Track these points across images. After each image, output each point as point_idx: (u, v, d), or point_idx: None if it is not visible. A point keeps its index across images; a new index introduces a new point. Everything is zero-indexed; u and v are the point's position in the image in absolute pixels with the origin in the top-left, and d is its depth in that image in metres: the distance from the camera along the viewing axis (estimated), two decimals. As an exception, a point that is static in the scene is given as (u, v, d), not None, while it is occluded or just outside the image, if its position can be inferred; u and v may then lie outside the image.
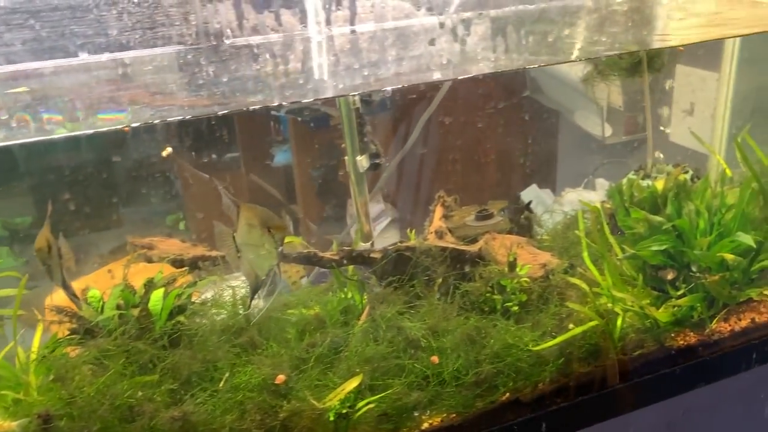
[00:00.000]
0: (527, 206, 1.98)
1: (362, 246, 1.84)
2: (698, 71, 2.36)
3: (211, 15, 1.08)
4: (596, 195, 2.77)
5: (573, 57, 1.32)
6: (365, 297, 1.78)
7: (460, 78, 1.21)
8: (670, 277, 1.67)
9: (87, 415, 1.31)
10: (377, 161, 1.82)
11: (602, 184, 3.01)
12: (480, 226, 1.92)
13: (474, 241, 1.84)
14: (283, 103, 4.06)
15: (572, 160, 3.16)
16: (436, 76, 1.23)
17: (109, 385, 1.34)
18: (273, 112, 4.16)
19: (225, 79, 1.12)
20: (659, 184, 1.82)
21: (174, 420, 1.32)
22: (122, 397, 1.33)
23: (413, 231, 1.93)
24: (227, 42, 1.10)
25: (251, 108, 1.14)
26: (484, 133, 3.17)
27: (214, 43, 1.09)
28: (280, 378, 1.41)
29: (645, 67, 1.97)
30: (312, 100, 1.16)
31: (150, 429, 1.34)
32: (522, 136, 3.21)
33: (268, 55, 1.13)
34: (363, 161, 1.80)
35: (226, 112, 1.12)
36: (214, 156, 3.82)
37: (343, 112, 1.74)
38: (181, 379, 1.43)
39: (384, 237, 3.14)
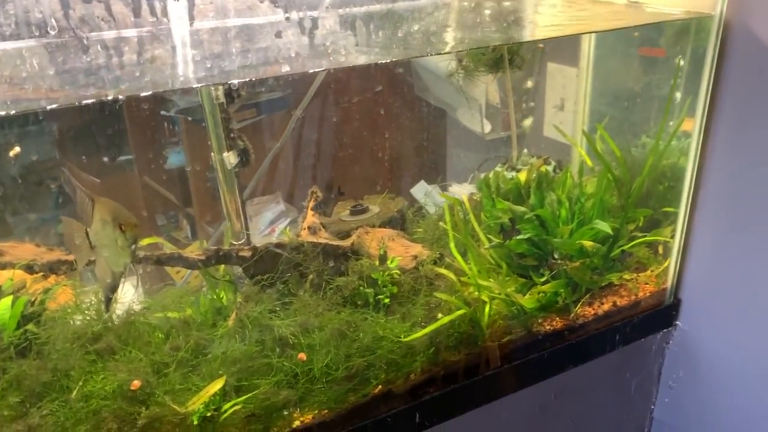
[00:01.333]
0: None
1: (231, 245, 1.80)
2: (565, 68, 2.47)
3: (31, 4, 1.02)
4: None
5: (422, 52, 1.34)
6: (237, 298, 1.75)
7: (311, 71, 1.21)
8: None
9: None
10: (247, 156, 1.79)
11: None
12: (354, 220, 1.92)
13: (348, 235, 1.85)
14: (177, 102, 3.95)
15: (459, 157, 3.23)
16: (285, 68, 1.22)
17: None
18: (163, 112, 4.03)
19: (52, 72, 1.07)
20: (522, 176, 1.88)
21: (17, 435, 1.24)
22: (-43, 414, 1.24)
23: (288, 228, 1.92)
24: (52, 33, 1.05)
25: (83, 102, 1.09)
26: (372, 131, 3.19)
27: (37, 34, 1.03)
28: (135, 384, 1.35)
29: (506, 63, 2.05)
30: (150, 93, 1.12)
31: (-10, 446, 1.26)
32: (410, 134, 3.26)
33: (99, 47, 1.09)
34: (231, 157, 1.76)
35: (54, 106, 1.06)
36: (105, 159, 3.66)
37: (206, 107, 1.70)
38: (26, 392, 1.35)
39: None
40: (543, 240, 1.84)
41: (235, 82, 1.29)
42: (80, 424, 1.33)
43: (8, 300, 1.47)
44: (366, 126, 3.22)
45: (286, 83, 3.90)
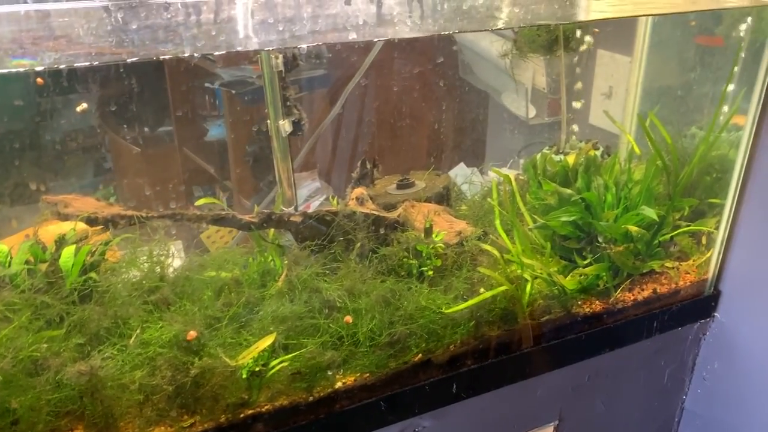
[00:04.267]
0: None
1: (283, 210, 1.84)
2: (615, 56, 2.46)
3: (120, -40, 1.07)
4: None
5: (485, 26, 1.36)
6: (285, 261, 1.80)
7: (376, 40, 1.23)
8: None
9: (-13, 367, 1.28)
10: (300, 126, 1.83)
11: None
12: (400, 194, 1.96)
13: (394, 208, 1.88)
14: (221, 74, 4.00)
15: (499, 141, 3.24)
16: (352, 36, 1.25)
17: (12, 338, 1.32)
18: (207, 85, 4.10)
19: (134, 27, 1.11)
20: (570, 159, 1.90)
21: (81, 374, 1.31)
22: (26, 350, 1.31)
23: (335, 198, 1.96)
24: (137, -11, 1.09)
25: (162, 57, 1.13)
26: (415, 110, 3.21)
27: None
28: (192, 334, 1.41)
29: (561, 44, 2.05)
30: (224, 51, 1.16)
31: (56, 383, 1.33)
32: (452, 115, 3.27)
33: (179, 5, 1.13)
34: (285, 125, 1.81)
35: (135, 59, 1.11)
36: (146, 129, 3.74)
37: (265, 75, 1.74)
38: (89, 335, 1.41)
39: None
40: (587, 223, 1.86)
41: (304, 46, 1.32)
42: (137, 369, 1.40)
43: (72, 248, 1.53)
44: (408, 105, 3.24)
45: (328, 61, 3.94)
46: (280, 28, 1.21)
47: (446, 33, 1.53)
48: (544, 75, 2.72)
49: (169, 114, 3.95)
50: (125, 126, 3.60)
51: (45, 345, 1.32)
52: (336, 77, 3.85)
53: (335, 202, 1.95)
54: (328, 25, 1.25)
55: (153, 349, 1.40)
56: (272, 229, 1.84)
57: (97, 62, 1.11)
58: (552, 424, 2.01)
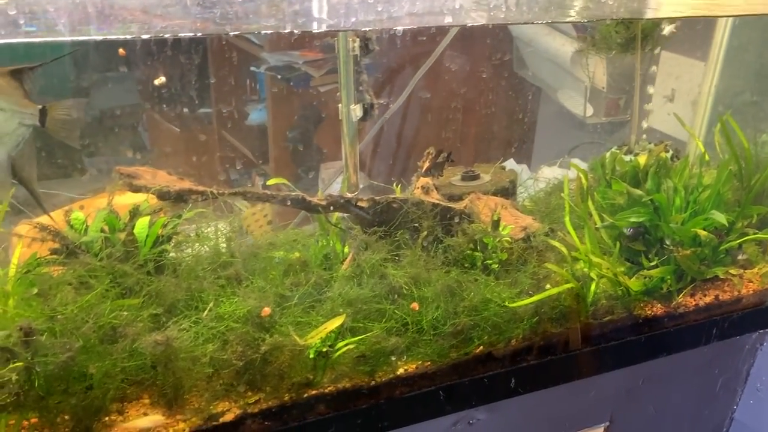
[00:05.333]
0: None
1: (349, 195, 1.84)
2: (681, 58, 2.42)
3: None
4: (571, 174, 2.83)
5: (583, 16, 1.34)
6: (347, 246, 1.80)
7: (469, 26, 1.22)
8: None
9: (69, 332, 1.30)
10: (370, 111, 1.82)
11: (577, 163, 3.08)
12: (465, 186, 1.95)
13: (458, 199, 1.87)
14: (267, 59, 4.00)
15: (550, 138, 3.21)
16: (448, 20, 1.24)
17: (92, 305, 1.33)
18: (253, 69, 4.11)
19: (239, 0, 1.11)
20: (641, 160, 1.87)
21: (157, 344, 1.32)
22: (105, 318, 1.32)
23: (399, 185, 1.95)
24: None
25: (263, 32, 1.13)
26: (467, 102, 3.19)
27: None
28: (266, 311, 1.42)
29: (638, 43, 2.02)
30: (324, 29, 1.15)
31: (131, 351, 1.34)
32: (503, 111, 3.25)
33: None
34: (357, 110, 1.80)
35: (237, 33, 1.11)
36: (185, 110, 3.76)
37: (341, 58, 1.73)
38: (164, 306, 1.42)
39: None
40: (654, 225, 1.83)
41: (400, 29, 1.31)
42: (209, 343, 1.41)
43: (146, 219, 1.54)
44: (459, 98, 3.23)
45: (376, 50, 3.92)
46: (379, 8, 1.21)
47: (538, 22, 1.51)
48: (605, 74, 2.68)
49: (209, 96, 3.97)
50: (165, 105, 3.63)
51: (124, 313, 1.33)
52: (381, 65, 3.84)
53: (398, 189, 1.94)
54: (425, 7, 1.24)
55: (227, 323, 1.41)
56: (336, 213, 1.84)
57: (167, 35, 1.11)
58: (603, 425, 2.00)
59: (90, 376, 1.32)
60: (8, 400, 1.26)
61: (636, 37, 2.01)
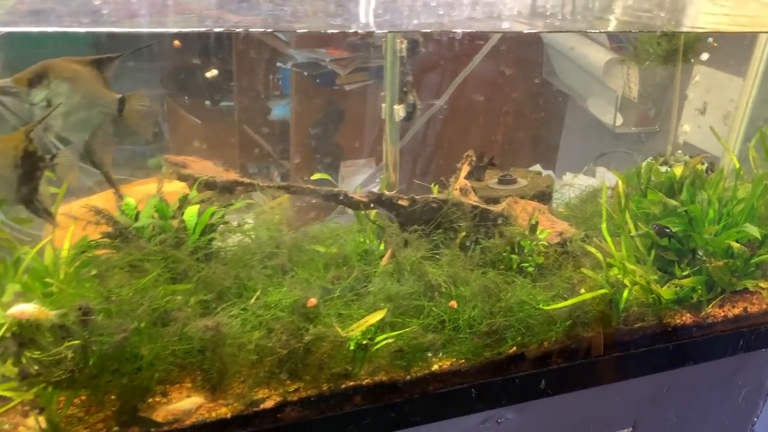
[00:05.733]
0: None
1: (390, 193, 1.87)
2: (718, 73, 2.44)
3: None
4: (595, 182, 2.85)
5: (641, 27, 1.37)
6: (382, 243, 1.83)
7: (525, 32, 1.25)
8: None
9: (124, 313, 1.34)
10: (413, 112, 1.86)
11: (602, 172, 3.10)
12: (502, 189, 1.98)
13: (495, 202, 1.90)
14: (294, 55, 4.03)
15: (576, 146, 3.23)
16: (505, 25, 1.27)
17: (146, 289, 1.37)
18: (279, 64, 4.14)
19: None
20: (678, 171, 1.90)
21: (207, 329, 1.36)
22: (159, 301, 1.36)
23: (436, 185, 1.98)
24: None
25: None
26: (495, 107, 3.22)
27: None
28: (312, 301, 1.45)
29: (680, 56, 2.04)
30: (386, 31, 1.19)
31: (181, 335, 1.38)
32: (531, 116, 3.27)
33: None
34: (400, 111, 1.83)
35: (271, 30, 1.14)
36: (207, 102, 3.79)
37: (388, 58, 1.77)
38: (213, 292, 1.46)
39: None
40: (687, 236, 1.86)
41: (459, 31, 1.34)
42: (256, 330, 1.44)
43: (195, 208, 1.58)
44: (488, 102, 3.24)
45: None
46: (441, 12, 1.24)
47: (593, 31, 1.54)
48: (637, 84, 2.71)
49: (232, 89, 4.00)
50: (188, 97, 3.65)
51: (175, 298, 1.37)
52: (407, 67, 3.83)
53: (435, 189, 1.98)
54: (485, 12, 1.27)
55: (273, 312, 1.44)
56: (374, 211, 1.87)
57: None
58: (626, 430, 2.02)
59: (140, 358, 1.36)
60: (63, 377, 1.30)
61: (678, 50, 2.04)
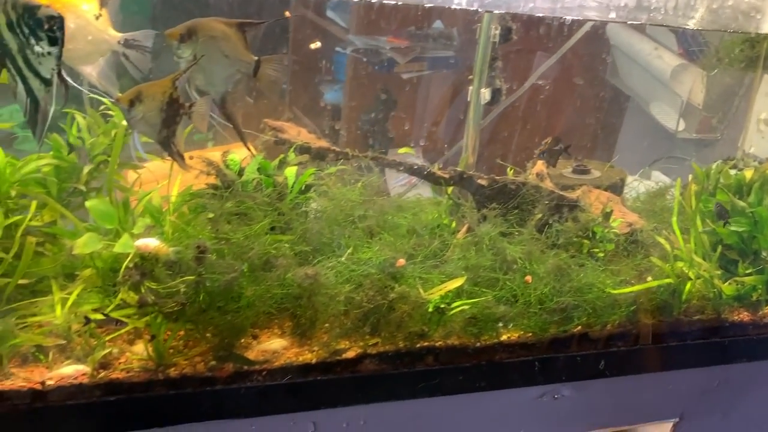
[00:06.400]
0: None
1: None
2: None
3: None
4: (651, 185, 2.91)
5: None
6: (454, 221, 1.93)
7: (629, 23, 1.33)
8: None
9: (235, 255, 1.46)
10: (498, 96, 1.94)
11: (657, 176, 3.15)
12: (576, 178, 2.06)
13: (569, 189, 1.99)
14: (354, 41, 4.13)
15: (634, 147, 3.28)
16: (611, 15, 1.35)
17: (255, 235, 1.49)
18: (338, 50, 4.24)
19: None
20: (748, 174, 1.96)
21: (307, 276, 1.47)
22: (267, 247, 1.47)
23: (512, 169, 2.07)
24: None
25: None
26: (557, 102, 3.28)
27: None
28: (401, 262, 1.56)
29: (761, 62, 2.10)
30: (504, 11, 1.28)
31: (282, 280, 1.49)
32: (591, 115, 3.34)
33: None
34: (486, 94, 1.92)
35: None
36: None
37: (481, 42, 1.86)
38: (311, 245, 1.57)
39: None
40: (752, 237, 1.93)
41: (569, 18, 1.42)
42: (346, 283, 1.55)
43: (293, 169, 1.70)
44: (551, 97, 3.31)
45: (460, 44, 4.02)
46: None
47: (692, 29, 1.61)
48: (702, 91, 2.76)
49: (287, 71, 4.09)
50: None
51: (280, 245, 1.48)
52: (462, 61, 3.94)
53: (511, 172, 2.07)
54: (596, 3, 1.36)
55: (364, 269, 1.55)
56: (451, 187, 1.97)
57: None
58: (672, 420, 2.09)
59: (243, 298, 1.48)
60: (174, 309, 1.42)
61: (759, 57, 2.09)
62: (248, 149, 1.58)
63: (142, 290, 1.41)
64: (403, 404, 1.69)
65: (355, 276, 1.56)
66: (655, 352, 1.88)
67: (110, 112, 1.68)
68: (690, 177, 1.96)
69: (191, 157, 1.62)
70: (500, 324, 1.72)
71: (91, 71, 1.64)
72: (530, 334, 1.76)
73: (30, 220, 1.50)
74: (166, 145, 1.36)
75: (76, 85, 1.51)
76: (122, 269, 1.40)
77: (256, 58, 1.47)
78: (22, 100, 1.36)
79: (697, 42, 2.72)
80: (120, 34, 1.61)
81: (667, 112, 2.98)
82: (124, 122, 1.45)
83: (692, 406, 2.09)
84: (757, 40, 2.06)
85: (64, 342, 1.44)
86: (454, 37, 4.07)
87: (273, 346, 1.57)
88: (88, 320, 1.39)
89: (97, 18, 1.56)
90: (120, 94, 1.32)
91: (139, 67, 1.62)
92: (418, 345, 1.66)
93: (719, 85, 2.64)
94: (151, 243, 1.38)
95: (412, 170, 1.86)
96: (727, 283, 1.91)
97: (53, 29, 1.26)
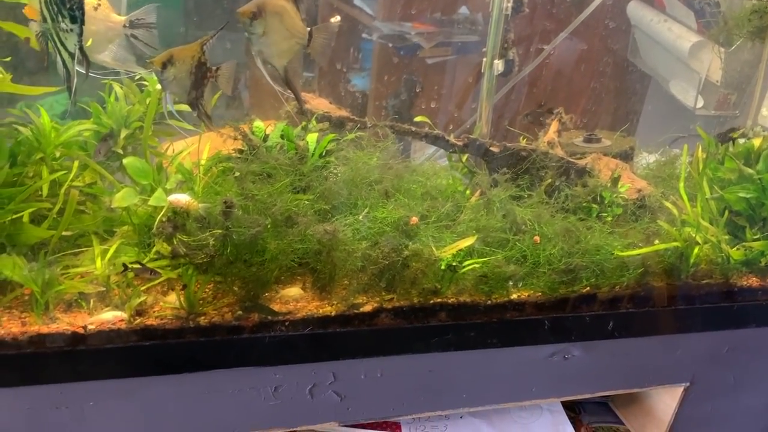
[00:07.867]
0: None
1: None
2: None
3: None
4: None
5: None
6: (468, 188, 2.01)
7: None
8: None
9: (259, 211, 1.57)
10: (511, 68, 2.02)
11: (676, 154, 3.18)
12: (586, 146, 2.13)
13: (580, 157, 2.06)
14: (381, 27, 4.21)
15: (654, 125, 3.31)
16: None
17: (278, 193, 1.60)
18: (364, 36, 4.33)
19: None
20: (756, 142, 2.01)
21: (326, 233, 1.57)
22: (289, 205, 1.58)
23: (524, 138, 2.15)
24: None
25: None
26: (578, 80, 3.33)
27: None
28: (414, 220, 1.65)
29: (770, 33, 2.13)
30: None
31: (303, 235, 1.60)
32: (611, 93, 3.37)
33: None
34: (499, 65, 2.00)
35: None
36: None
37: (494, 14, 1.94)
38: (330, 205, 1.68)
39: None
40: (760, 204, 1.97)
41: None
42: (362, 241, 1.65)
43: (314, 135, 1.80)
44: (571, 76, 3.35)
45: (485, 30, 4.07)
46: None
47: None
48: (721, 68, 2.79)
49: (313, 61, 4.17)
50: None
51: (301, 203, 1.59)
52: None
53: (523, 141, 2.14)
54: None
55: (379, 226, 1.65)
56: (465, 154, 2.06)
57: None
58: (683, 384, 2.15)
59: (267, 251, 1.59)
60: (204, 260, 1.54)
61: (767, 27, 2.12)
62: (303, 113, 1.68)
63: (175, 242, 1.52)
64: (417, 357, 1.79)
65: (371, 234, 1.66)
66: (663, 315, 1.95)
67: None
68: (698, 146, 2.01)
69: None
70: (510, 283, 1.80)
71: (104, 58, 1.73)
72: (540, 294, 1.83)
73: (72, 180, 1.63)
74: (195, 105, 1.48)
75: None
76: (156, 222, 1.52)
77: (309, 28, 1.58)
78: (60, 70, 1.50)
79: (713, 12, 2.75)
80: (123, 17, 1.70)
81: (686, 89, 3.01)
82: (158, 86, 1.57)
83: (703, 370, 2.15)
84: (765, 11, 2.09)
85: (103, 290, 1.57)
86: (480, 23, 4.14)
87: (290, 292, 1.68)
88: (126, 267, 1.51)
89: (95, 9, 1.65)
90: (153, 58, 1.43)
91: (149, 43, 1.71)
92: (431, 301, 1.75)
93: (737, 61, 2.67)
94: (183, 198, 1.50)
95: (427, 137, 1.95)
96: (735, 249, 1.96)
97: (73, 8, 1.38)
